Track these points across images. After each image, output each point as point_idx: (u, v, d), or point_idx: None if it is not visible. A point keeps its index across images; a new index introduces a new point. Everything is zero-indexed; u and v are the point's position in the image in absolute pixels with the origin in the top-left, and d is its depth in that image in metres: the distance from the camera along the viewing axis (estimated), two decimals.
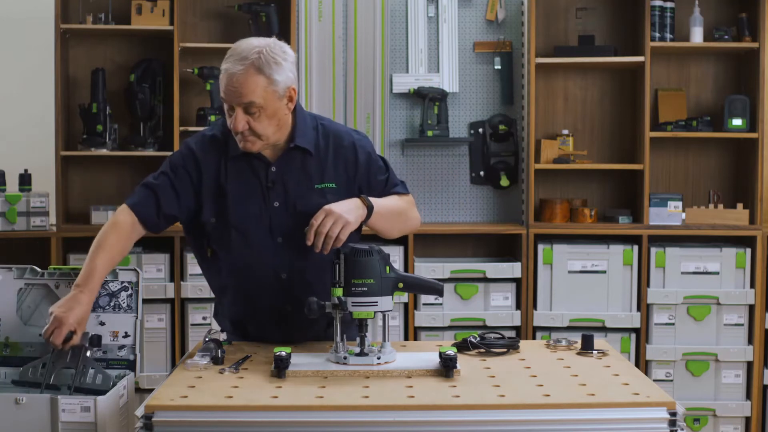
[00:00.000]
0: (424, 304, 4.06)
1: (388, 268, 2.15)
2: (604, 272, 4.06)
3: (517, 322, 4.07)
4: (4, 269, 2.44)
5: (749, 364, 4.04)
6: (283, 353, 2.06)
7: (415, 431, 1.84)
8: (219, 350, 2.20)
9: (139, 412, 1.85)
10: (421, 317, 4.06)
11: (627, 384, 2.00)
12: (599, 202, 4.41)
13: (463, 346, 2.30)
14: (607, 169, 4.29)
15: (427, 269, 4.04)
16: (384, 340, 2.18)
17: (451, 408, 1.85)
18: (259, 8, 4.13)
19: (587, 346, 2.32)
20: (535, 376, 2.07)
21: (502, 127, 4.37)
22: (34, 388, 2.25)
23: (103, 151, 4.04)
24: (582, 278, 4.07)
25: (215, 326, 2.54)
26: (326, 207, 2.28)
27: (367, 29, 4.33)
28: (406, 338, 4.05)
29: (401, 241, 4.04)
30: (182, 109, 4.12)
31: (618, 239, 4.14)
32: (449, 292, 4.03)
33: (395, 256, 4.03)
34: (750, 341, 4.03)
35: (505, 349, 2.32)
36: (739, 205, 4.11)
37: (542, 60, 4.14)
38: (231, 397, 1.90)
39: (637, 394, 1.92)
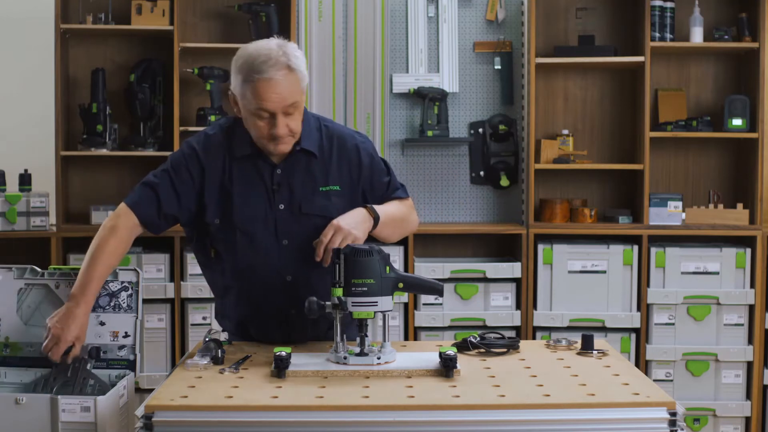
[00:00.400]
0: (424, 304, 4.06)
1: (388, 268, 2.15)
2: (604, 272, 4.06)
3: (517, 322, 4.07)
4: (4, 269, 2.44)
5: (749, 364, 4.04)
6: (283, 353, 2.06)
7: (415, 431, 1.84)
8: (219, 350, 2.20)
9: (139, 412, 1.85)
10: (421, 317, 4.06)
11: (627, 384, 2.00)
12: (599, 202, 4.41)
13: (463, 346, 2.30)
14: (607, 169, 4.29)
15: (427, 269, 4.04)
16: (384, 340, 2.18)
17: (451, 408, 1.85)
18: (259, 8, 4.12)
19: (587, 346, 2.32)
20: (535, 376, 2.07)
21: (502, 127, 4.37)
22: None
23: (103, 151, 4.04)
24: (582, 278, 4.06)
25: (215, 326, 2.53)
26: (335, 222, 2.27)
27: (367, 29, 4.33)
28: (406, 338, 4.05)
29: (401, 241, 4.02)
30: (182, 109, 4.12)
31: (618, 239, 4.14)
32: (449, 292, 4.03)
33: (395, 256, 4.03)
34: (750, 341, 4.03)
35: (505, 349, 2.32)
36: (739, 205, 4.11)
37: (542, 60, 4.14)
38: (231, 397, 1.90)
39: (637, 394, 1.92)
